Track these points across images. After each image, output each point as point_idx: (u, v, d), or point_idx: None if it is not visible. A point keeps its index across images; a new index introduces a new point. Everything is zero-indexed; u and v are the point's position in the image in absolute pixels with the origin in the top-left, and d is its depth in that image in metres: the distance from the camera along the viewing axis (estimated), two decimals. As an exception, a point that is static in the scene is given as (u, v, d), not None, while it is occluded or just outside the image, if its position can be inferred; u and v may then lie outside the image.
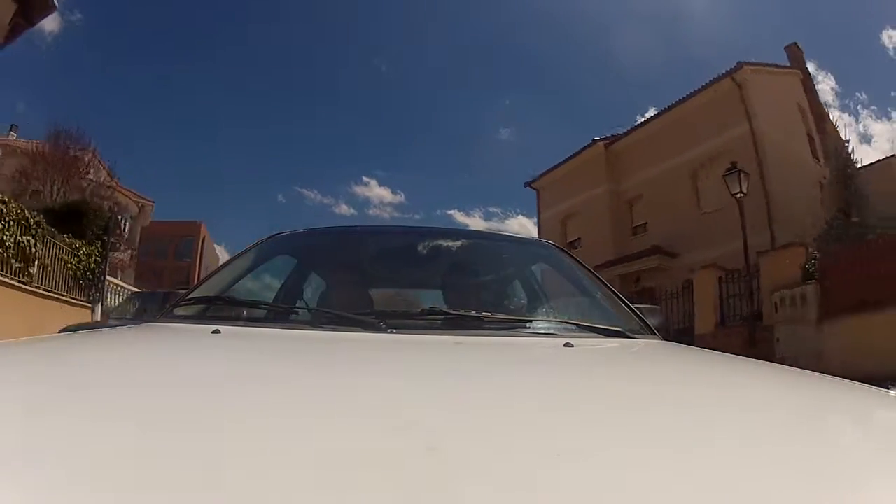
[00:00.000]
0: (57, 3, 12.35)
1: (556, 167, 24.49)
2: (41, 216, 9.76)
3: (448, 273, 2.20)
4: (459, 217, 58.85)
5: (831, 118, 19.94)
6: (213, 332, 1.26)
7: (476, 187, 66.59)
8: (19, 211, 8.85)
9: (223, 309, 1.69)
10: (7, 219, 8.42)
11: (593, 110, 58.79)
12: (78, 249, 11.14)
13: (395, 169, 63.60)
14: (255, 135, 61.48)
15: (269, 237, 2.40)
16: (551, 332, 1.58)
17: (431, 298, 2.14)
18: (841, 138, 15.34)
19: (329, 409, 0.68)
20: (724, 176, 13.13)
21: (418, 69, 62.99)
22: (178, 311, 1.66)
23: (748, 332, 11.03)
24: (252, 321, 1.60)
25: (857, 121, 41.05)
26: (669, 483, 0.51)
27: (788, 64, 20.14)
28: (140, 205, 29.20)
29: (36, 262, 9.16)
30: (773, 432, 0.69)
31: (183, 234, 36.05)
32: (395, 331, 1.35)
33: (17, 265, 8.63)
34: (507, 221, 52.85)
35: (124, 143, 50.60)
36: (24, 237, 8.98)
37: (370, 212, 56.37)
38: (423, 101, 62.36)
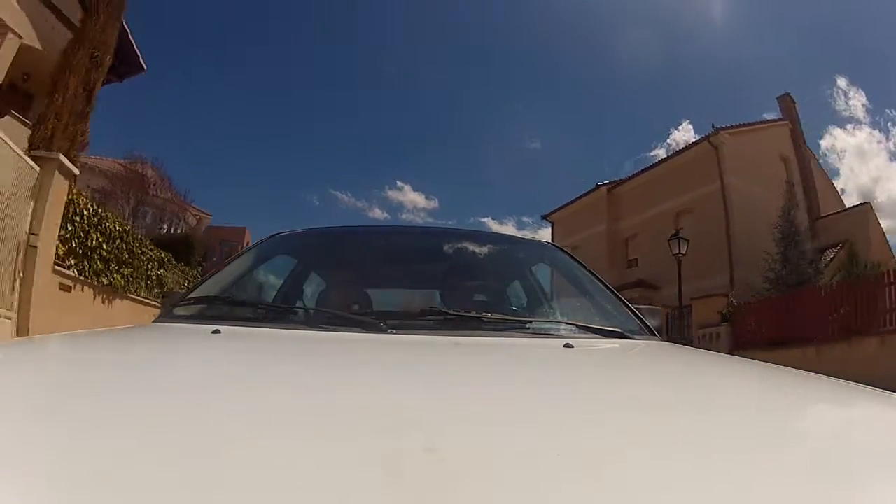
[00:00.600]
0: (146, 67, 13.84)
1: (567, 204, 28.39)
2: (170, 254, 12.87)
3: (448, 273, 2.17)
4: (493, 225, 58.85)
5: (818, 163, 23.96)
6: (213, 332, 1.25)
7: (510, 196, 67.50)
8: (159, 252, 11.95)
9: (223, 309, 1.67)
10: (153, 259, 11.51)
11: (626, 123, 60.60)
12: (188, 274, 13.99)
13: (429, 175, 65.41)
14: (292, 137, 62.69)
15: (270, 237, 2.38)
16: (551, 332, 1.58)
17: (431, 299, 2.11)
18: (793, 196, 18.69)
19: (328, 410, 0.67)
20: (668, 241, 16.46)
21: (454, 75, 64.86)
22: (179, 311, 1.63)
23: None
24: (252, 321, 1.57)
25: (887, 137, 42.52)
26: (670, 483, 0.50)
27: (780, 115, 23.98)
28: (198, 217, 32.42)
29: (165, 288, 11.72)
30: (772, 432, 0.69)
31: (228, 239, 37.02)
32: (394, 331, 1.33)
33: (158, 292, 11.57)
34: (539, 232, 53.82)
35: (166, 149, 52.09)
36: (160, 271, 11.85)
37: (403, 216, 56.70)
38: (458, 108, 64.95)
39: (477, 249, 2.39)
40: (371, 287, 2.38)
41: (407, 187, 71.49)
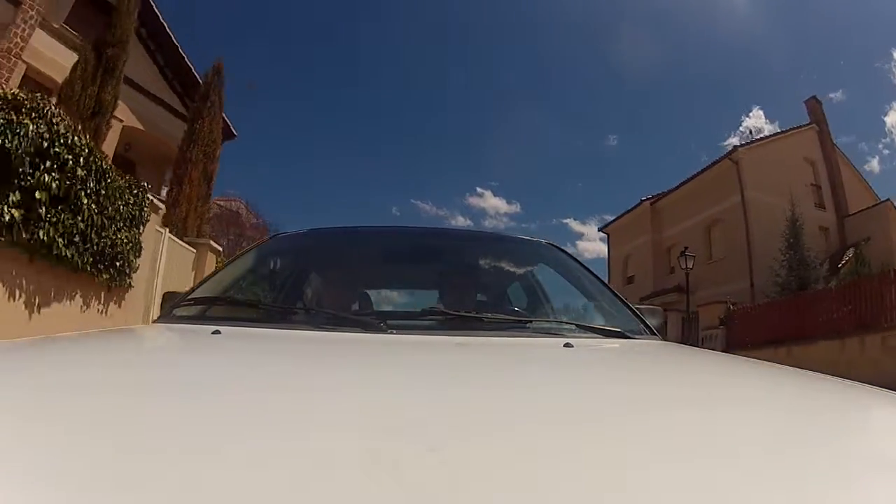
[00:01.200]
0: (237, 133, 17.02)
1: (618, 218, 31.45)
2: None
3: (448, 273, 2.16)
4: (575, 226, 57.95)
5: (848, 162, 25.40)
6: (213, 333, 1.25)
7: (590, 195, 64.60)
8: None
9: (223, 309, 1.67)
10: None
11: (698, 114, 58.81)
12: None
13: (508, 179, 63.06)
14: (370, 148, 63.02)
15: (270, 237, 2.39)
16: (551, 332, 1.58)
17: (432, 299, 2.09)
18: (819, 198, 20.93)
19: (329, 410, 0.67)
20: (678, 257, 19.13)
21: (527, 76, 63.18)
22: (179, 312, 1.63)
23: None
24: (252, 322, 1.57)
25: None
26: (670, 483, 0.50)
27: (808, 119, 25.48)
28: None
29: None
30: (772, 432, 0.69)
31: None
32: (395, 331, 1.34)
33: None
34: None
35: (247, 166, 51.74)
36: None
37: (486, 222, 55.48)
38: (532, 109, 62.29)
39: (477, 249, 2.37)
40: (371, 287, 2.37)
41: (487, 193, 68.20)
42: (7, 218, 5.36)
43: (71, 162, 6.01)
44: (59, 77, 12.41)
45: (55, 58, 13.55)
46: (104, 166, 6.73)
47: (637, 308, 1.77)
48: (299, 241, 2.50)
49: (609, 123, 63.07)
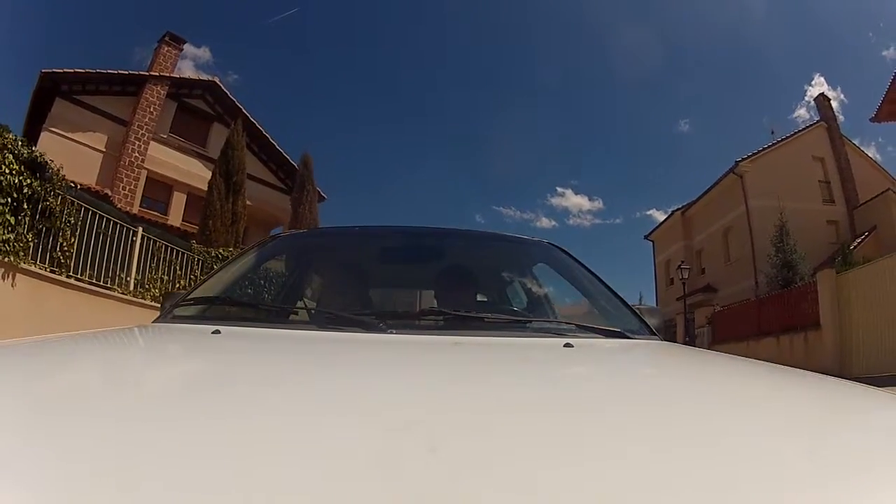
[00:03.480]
0: (326, 197, 21.01)
1: (658, 227, 34.94)
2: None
3: (448, 273, 2.15)
4: (659, 216, 56.08)
5: (861, 152, 26.66)
6: (213, 333, 1.25)
7: (669, 183, 61.70)
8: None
9: (223, 309, 1.68)
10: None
11: (762, 89, 57.23)
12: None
13: (587, 176, 60.85)
14: (447, 158, 60.48)
15: (270, 238, 2.34)
16: (551, 332, 1.58)
17: (431, 299, 2.08)
18: (829, 193, 23.25)
19: (329, 410, 0.67)
20: (677, 268, 23.08)
21: (595, 72, 60.94)
22: (179, 312, 1.63)
23: None
24: (252, 321, 1.58)
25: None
26: (670, 483, 0.51)
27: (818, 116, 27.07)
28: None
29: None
30: (771, 432, 0.69)
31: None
32: (395, 331, 1.34)
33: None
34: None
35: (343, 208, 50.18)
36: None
37: (570, 221, 54.02)
38: (602, 103, 61.48)
39: (477, 249, 2.37)
40: (371, 287, 2.35)
41: (568, 192, 65.66)
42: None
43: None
44: (174, 175, 18.07)
45: (169, 160, 18.31)
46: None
47: (637, 308, 1.76)
48: (299, 242, 2.52)
49: (677, 108, 62.19)
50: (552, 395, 0.86)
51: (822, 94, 27.72)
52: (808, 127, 27.02)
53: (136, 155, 17.98)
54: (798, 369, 1.21)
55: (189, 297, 1.75)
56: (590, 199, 62.07)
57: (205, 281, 1.99)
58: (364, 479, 0.48)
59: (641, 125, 59.97)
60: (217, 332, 1.26)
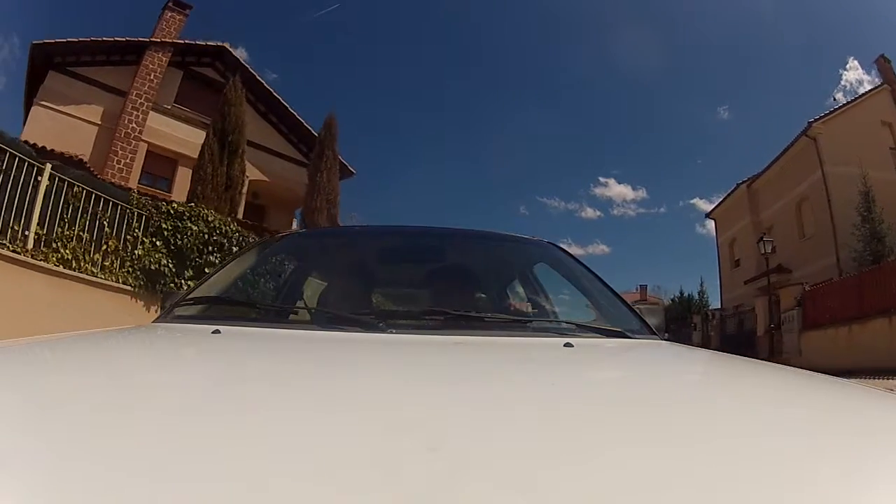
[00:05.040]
0: (355, 171, 20.10)
1: (721, 202, 32.12)
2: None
3: (448, 273, 2.17)
4: (702, 205, 56.56)
5: None
6: (213, 333, 1.28)
7: (712, 171, 62.78)
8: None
9: (223, 309, 1.72)
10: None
11: (800, 72, 56.11)
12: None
13: (629, 165, 62.81)
14: (486, 150, 63.56)
15: (270, 237, 2.40)
16: (551, 331, 1.61)
17: (432, 298, 2.06)
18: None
19: (329, 410, 0.68)
20: (757, 242, 20.74)
21: (635, 60, 62.28)
22: (179, 312, 1.67)
23: (771, 337, 19.18)
24: (252, 321, 1.61)
25: None
26: (670, 482, 0.51)
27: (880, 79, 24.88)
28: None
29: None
30: (772, 432, 0.70)
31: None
32: (395, 331, 1.37)
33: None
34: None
35: (370, 194, 53.97)
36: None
37: (614, 212, 55.27)
38: (643, 91, 61.82)
39: (477, 249, 2.38)
40: (371, 287, 2.40)
41: (611, 181, 67.75)
42: (185, 288, 7.75)
43: (226, 243, 9.16)
44: (181, 148, 16.58)
45: (174, 133, 17.09)
46: (250, 240, 9.50)
47: (637, 308, 1.78)
48: (299, 241, 2.54)
49: (717, 95, 61.48)
50: (552, 394, 0.86)
51: (882, 56, 25.32)
52: (873, 89, 24.87)
53: (134, 126, 16.46)
54: (800, 369, 1.24)
55: (189, 296, 1.79)
56: (633, 189, 62.43)
57: (205, 280, 2.01)
58: (364, 478, 0.49)
59: (681, 113, 60.30)
60: (217, 331, 1.28)
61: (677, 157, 63.83)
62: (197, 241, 8.66)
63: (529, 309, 2.30)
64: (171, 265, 8.35)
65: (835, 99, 25.15)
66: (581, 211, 59.46)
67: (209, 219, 9.01)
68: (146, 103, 16.59)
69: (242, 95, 14.55)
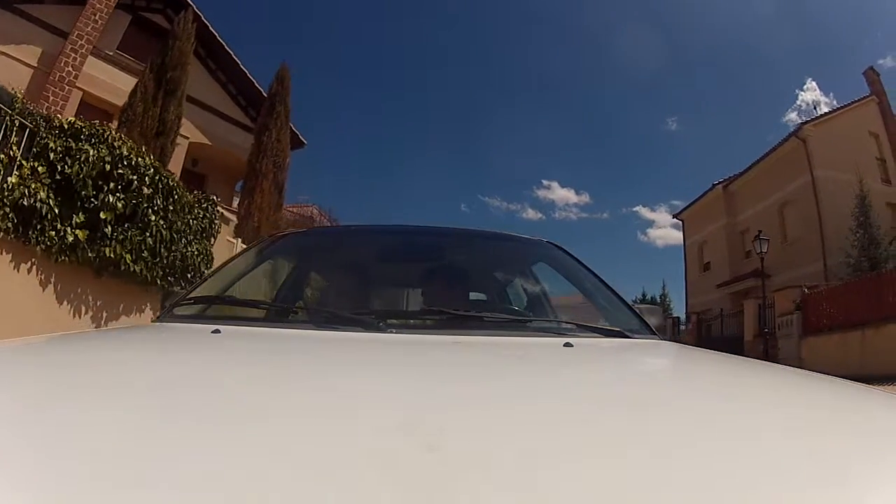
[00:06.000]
0: (306, 141, 18.65)
1: (691, 204, 32.03)
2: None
3: (448, 272, 2.16)
4: (645, 213, 59.63)
5: None
6: (212, 332, 1.28)
7: (657, 181, 63.84)
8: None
9: (223, 309, 1.72)
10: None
11: (755, 92, 59.23)
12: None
13: (573, 169, 63.90)
14: (431, 147, 63.47)
15: (269, 237, 2.42)
16: (551, 331, 1.63)
17: (431, 298, 2.03)
18: (885, 173, 21.53)
19: (329, 409, 0.69)
20: (752, 241, 19.55)
21: (581, 65, 64.07)
22: (178, 311, 1.67)
23: (765, 342, 18.13)
24: (252, 321, 1.61)
25: None
26: (669, 482, 0.52)
27: (868, 91, 25.31)
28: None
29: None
30: (771, 432, 0.70)
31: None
32: (394, 330, 1.37)
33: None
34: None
35: (316, 173, 53.81)
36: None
37: (556, 215, 55.88)
38: (590, 97, 63.14)
39: (477, 248, 2.38)
40: (371, 286, 2.40)
41: (554, 184, 67.40)
42: (71, 239, 5.99)
43: (136, 182, 6.73)
44: (119, 101, 14.08)
45: (113, 83, 15.09)
46: (171, 184, 7.45)
47: (637, 307, 1.81)
48: (299, 241, 2.53)
49: (667, 106, 62.89)
50: (552, 394, 0.87)
51: (871, 68, 26.27)
52: (860, 99, 25.31)
53: (70, 69, 14.41)
54: (798, 369, 1.27)
55: (189, 296, 1.81)
56: (577, 193, 64.09)
57: (205, 280, 2.05)
58: (363, 478, 0.49)
59: (630, 122, 62.45)
60: (217, 331, 1.29)
61: (624, 165, 65.74)
62: (94, 171, 6.04)
63: (529, 308, 2.29)
64: (53, 203, 5.75)
65: (815, 108, 26.00)
66: (523, 212, 58.91)
67: (116, 144, 6.47)
68: (86, 45, 14.67)
69: (192, 31, 13.01)
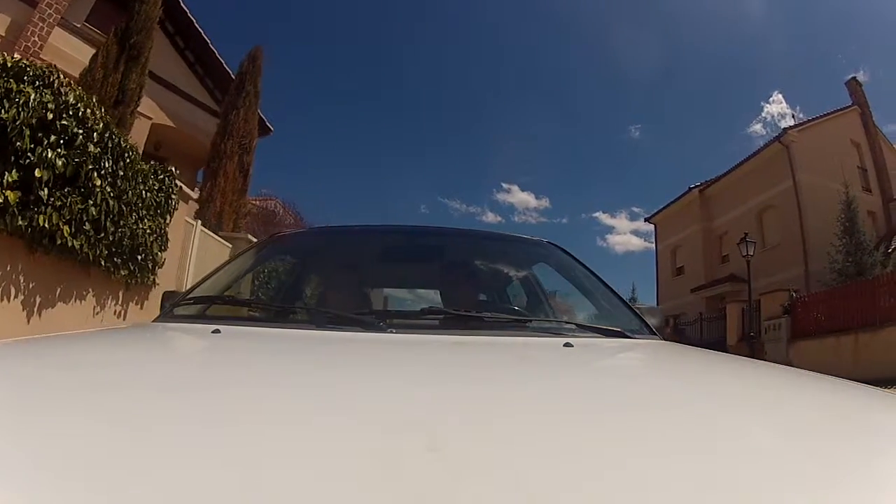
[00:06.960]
0: (273, 128, 17.32)
1: (666, 207, 31.87)
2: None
3: (448, 272, 2.17)
4: (605, 219, 59.59)
5: (889, 144, 25.61)
6: (212, 332, 1.27)
7: (618, 187, 64.34)
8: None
9: (223, 309, 1.71)
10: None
11: (719, 102, 59.43)
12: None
13: (533, 173, 64.49)
14: (393, 146, 65.11)
15: (269, 237, 2.43)
16: (551, 331, 1.62)
17: (431, 298, 2.10)
18: (866, 181, 21.02)
19: (329, 409, 0.68)
20: (738, 244, 19.04)
21: (542, 68, 63.47)
22: (178, 311, 1.66)
23: (751, 346, 17.70)
24: (252, 321, 1.62)
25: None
26: (669, 482, 0.52)
27: (850, 101, 25.99)
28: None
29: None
30: (772, 432, 0.70)
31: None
32: (395, 330, 1.37)
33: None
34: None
35: (281, 166, 52.69)
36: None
37: (515, 219, 55.71)
38: (554, 101, 63.49)
39: (477, 249, 2.37)
40: (371, 286, 2.41)
41: (514, 188, 69.00)
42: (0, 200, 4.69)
43: (82, 137, 5.29)
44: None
45: (77, 56, 13.15)
46: (123, 144, 6.02)
47: (637, 307, 1.82)
48: (299, 241, 2.50)
49: (630, 114, 64.44)
50: (552, 394, 0.87)
51: (853, 78, 26.93)
52: (842, 108, 25.84)
53: (35, 40, 12.61)
54: (798, 369, 1.28)
55: (189, 296, 1.81)
56: (536, 198, 63.34)
57: (205, 280, 2.00)
58: (363, 478, 0.49)
59: (593, 128, 62.47)
60: (217, 331, 1.28)
61: (584, 171, 66.28)
62: (32, 119, 4.59)
63: (529, 309, 2.29)
64: (-21, 154, 4.77)
65: (794, 116, 26.43)
66: (482, 215, 58.73)
67: (62, 90, 5.05)
68: (55, 14, 12.86)
69: (160, -2, 12.40)
